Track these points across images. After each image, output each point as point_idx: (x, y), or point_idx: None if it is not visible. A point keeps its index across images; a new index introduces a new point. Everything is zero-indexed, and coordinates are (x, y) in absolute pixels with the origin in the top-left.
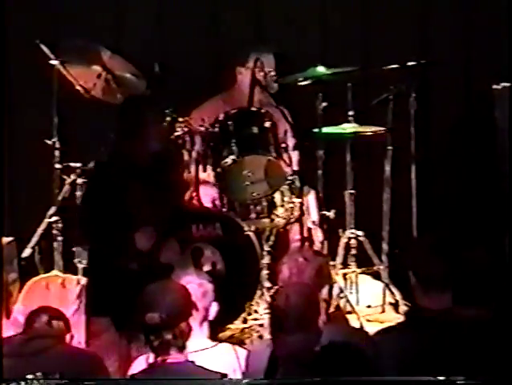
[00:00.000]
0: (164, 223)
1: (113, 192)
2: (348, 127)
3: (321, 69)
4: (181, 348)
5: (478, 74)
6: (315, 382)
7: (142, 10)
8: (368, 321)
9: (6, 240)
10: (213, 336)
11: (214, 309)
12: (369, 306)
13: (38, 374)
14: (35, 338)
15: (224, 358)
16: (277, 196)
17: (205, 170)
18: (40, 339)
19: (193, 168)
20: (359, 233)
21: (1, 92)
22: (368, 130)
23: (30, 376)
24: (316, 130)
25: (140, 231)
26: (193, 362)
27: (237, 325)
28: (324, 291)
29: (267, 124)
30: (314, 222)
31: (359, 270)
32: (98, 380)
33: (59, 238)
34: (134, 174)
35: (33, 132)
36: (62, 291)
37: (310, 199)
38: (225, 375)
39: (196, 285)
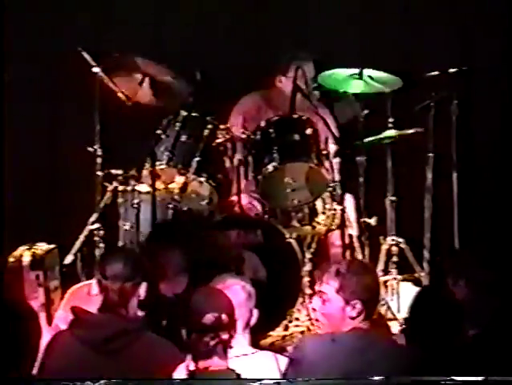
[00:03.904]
0: None
1: None
2: (389, 134)
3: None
4: (225, 354)
5: None
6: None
7: (183, 19)
8: None
9: (48, 247)
10: (254, 343)
11: (255, 315)
12: None
13: None
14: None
15: (264, 365)
16: (318, 203)
17: (246, 177)
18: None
19: (234, 175)
20: (401, 239)
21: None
22: (408, 132)
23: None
24: (357, 137)
25: None
26: (233, 369)
27: (279, 332)
28: None
29: (308, 131)
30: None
31: (400, 277)
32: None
33: (101, 245)
34: None
35: (75, 140)
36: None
37: (352, 206)
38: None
39: (239, 287)
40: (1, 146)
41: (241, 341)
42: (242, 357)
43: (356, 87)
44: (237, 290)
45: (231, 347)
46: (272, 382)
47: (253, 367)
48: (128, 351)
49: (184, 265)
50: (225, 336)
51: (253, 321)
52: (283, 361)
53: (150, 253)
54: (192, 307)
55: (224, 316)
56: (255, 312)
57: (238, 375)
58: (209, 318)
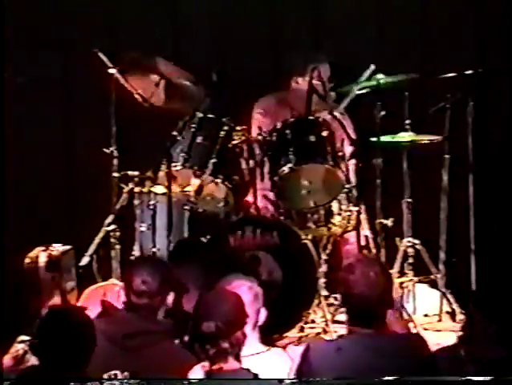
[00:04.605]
0: None
1: None
2: (406, 136)
3: (379, 77)
4: (237, 356)
5: None
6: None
7: (200, 20)
8: (425, 329)
9: (64, 248)
10: (265, 341)
11: (263, 314)
12: (426, 315)
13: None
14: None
15: (277, 363)
16: (334, 205)
17: (262, 178)
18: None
19: (250, 177)
20: (417, 241)
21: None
22: (425, 138)
23: None
24: (374, 138)
25: None
26: (248, 369)
27: (294, 334)
28: None
29: (325, 133)
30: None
31: (416, 279)
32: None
33: (117, 246)
34: None
35: (91, 141)
36: (119, 299)
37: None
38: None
39: (246, 288)
40: (18, 147)
41: (251, 340)
42: (254, 355)
43: (372, 81)
44: (243, 291)
45: (240, 350)
46: (289, 381)
47: (265, 365)
48: (144, 352)
49: (203, 280)
50: (225, 345)
51: (262, 320)
52: (295, 357)
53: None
54: (196, 312)
55: (220, 324)
56: (263, 311)
57: (255, 375)
58: (207, 326)
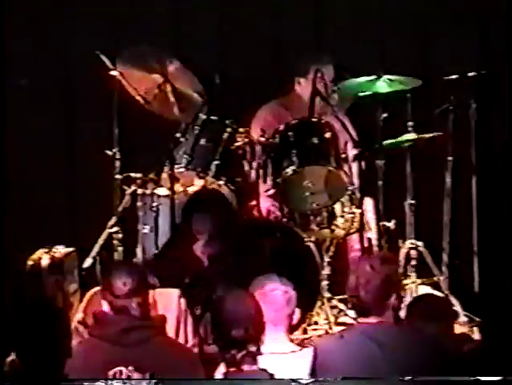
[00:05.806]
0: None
1: None
2: (408, 137)
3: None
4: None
5: None
6: None
7: (203, 22)
8: None
9: (66, 250)
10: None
11: (296, 315)
12: None
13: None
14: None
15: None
16: (337, 207)
17: (265, 180)
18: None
19: (253, 179)
20: (419, 243)
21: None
22: (427, 136)
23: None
24: (376, 140)
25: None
26: (265, 370)
27: (297, 335)
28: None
29: (327, 135)
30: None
31: (419, 281)
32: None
33: (120, 248)
34: None
35: (94, 143)
36: None
37: (370, 209)
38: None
39: (281, 292)
40: (20, 149)
41: (283, 340)
42: (286, 355)
43: (376, 88)
44: (276, 296)
45: (261, 354)
46: (306, 381)
47: (295, 365)
48: (143, 346)
49: (215, 230)
50: (252, 348)
51: (295, 321)
52: None
53: (187, 218)
54: (221, 318)
55: (251, 329)
56: (297, 312)
57: (272, 375)
58: (237, 332)
